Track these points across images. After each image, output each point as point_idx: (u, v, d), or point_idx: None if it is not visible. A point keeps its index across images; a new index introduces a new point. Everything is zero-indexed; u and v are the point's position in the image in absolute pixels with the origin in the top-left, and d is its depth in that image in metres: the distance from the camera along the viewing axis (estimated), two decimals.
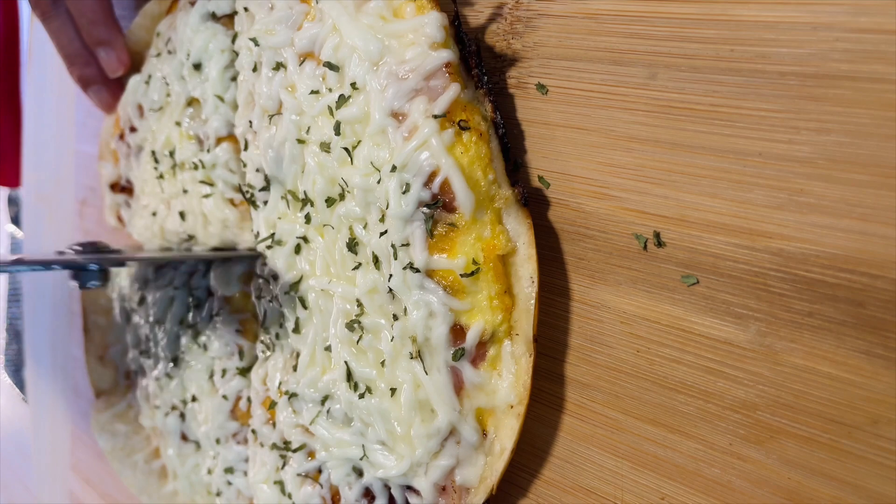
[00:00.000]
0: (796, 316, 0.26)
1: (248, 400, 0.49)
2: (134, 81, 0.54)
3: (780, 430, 0.27)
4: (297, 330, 0.42)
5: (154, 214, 0.53)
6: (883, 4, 0.24)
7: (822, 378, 0.26)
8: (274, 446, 0.44)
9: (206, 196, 0.48)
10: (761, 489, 0.27)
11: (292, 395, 0.42)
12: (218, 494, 0.51)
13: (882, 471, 0.24)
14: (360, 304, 0.38)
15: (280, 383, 0.44)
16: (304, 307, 0.41)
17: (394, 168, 0.33)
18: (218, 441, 0.50)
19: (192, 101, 0.48)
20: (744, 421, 0.27)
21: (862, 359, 0.24)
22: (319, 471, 0.42)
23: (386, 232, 0.35)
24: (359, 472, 0.40)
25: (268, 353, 0.45)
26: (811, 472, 0.26)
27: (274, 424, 0.45)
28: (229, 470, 0.50)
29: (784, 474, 0.27)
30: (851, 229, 0.25)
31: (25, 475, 0.92)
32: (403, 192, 0.33)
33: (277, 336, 0.44)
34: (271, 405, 0.45)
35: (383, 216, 0.35)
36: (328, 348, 0.40)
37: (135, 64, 0.57)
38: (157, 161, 0.52)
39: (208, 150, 0.47)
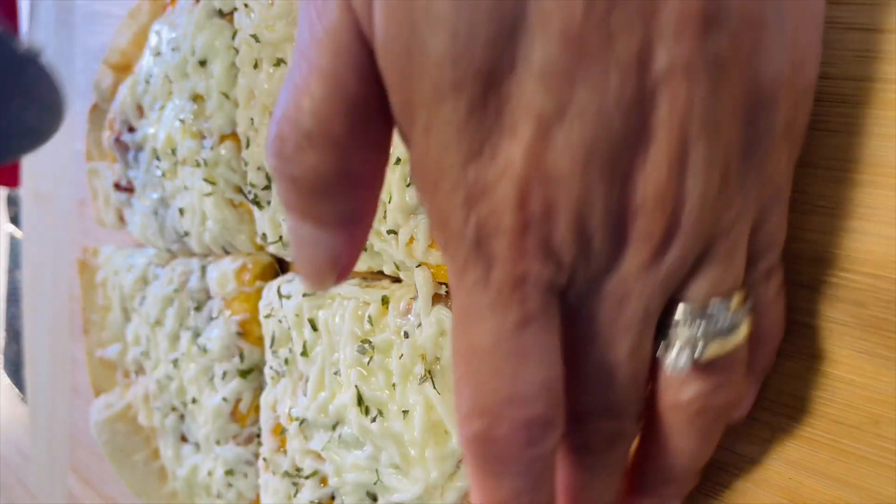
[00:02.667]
0: (798, 316, 0.26)
1: (257, 412, 0.48)
2: (132, 81, 0.54)
3: (783, 431, 0.26)
4: (305, 353, 0.42)
5: (155, 213, 0.53)
6: (886, 3, 0.24)
7: (824, 378, 0.25)
8: (286, 474, 0.44)
9: (208, 195, 0.47)
10: (762, 489, 0.27)
11: (302, 421, 0.42)
12: (218, 496, 0.51)
13: (883, 471, 0.24)
14: (371, 321, 0.37)
15: (290, 409, 0.43)
16: (314, 328, 0.41)
17: (398, 161, 0.33)
18: (218, 442, 0.50)
19: (195, 98, 0.48)
20: (745, 421, 0.27)
21: (863, 359, 0.24)
22: (333, 497, 0.41)
23: (394, 231, 0.34)
24: (373, 497, 0.39)
25: (277, 379, 0.45)
26: (812, 473, 0.26)
27: (285, 451, 0.44)
28: (230, 472, 0.50)
29: (786, 474, 0.27)
30: (853, 229, 0.25)
31: (25, 476, 0.92)
32: (407, 185, 0.33)
33: (286, 361, 0.43)
34: (282, 432, 0.44)
35: (385, 212, 0.34)
36: (337, 372, 0.39)
37: (122, 66, 0.57)
38: (158, 159, 0.51)
39: (211, 148, 0.47)
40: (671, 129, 0.18)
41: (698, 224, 0.19)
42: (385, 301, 0.37)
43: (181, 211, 0.50)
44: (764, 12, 0.18)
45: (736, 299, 0.21)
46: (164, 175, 0.51)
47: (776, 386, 0.27)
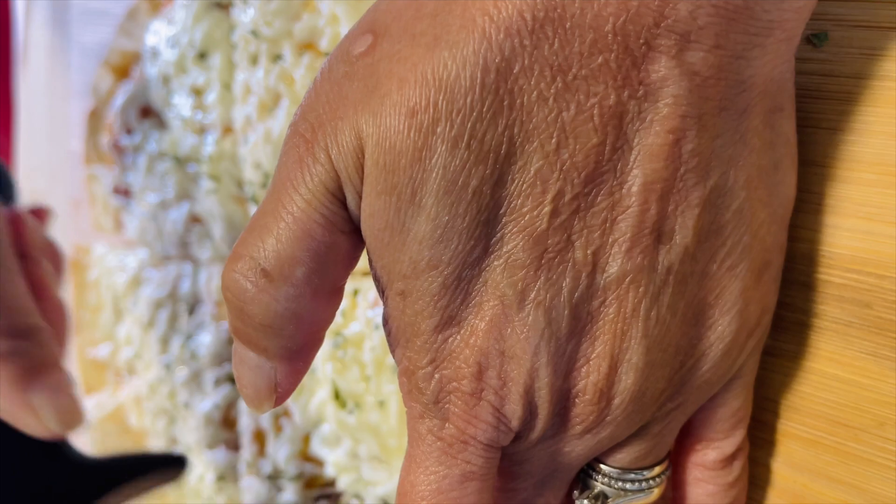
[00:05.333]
0: (802, 317, 0.26)
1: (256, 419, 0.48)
2: (132, 85, 0.54)
3: (787, 433, 0.26)
4: None
5: (154, 216, 0.53)
6: (887, 2, 0.23)
7: (828, 380, 0.25)
8: (268, 477, 0.44)
9: (211, 192, 0.47)
10: (766, 493, 0.27)
11: (283, 417, 0.42)
12: (209, 500, 0.51)
13: (888, 474, 0.24)
14: (343, 314, 0.37)
15: (271, 412, 0.43)
16: None
17: None
18: (209, 447, 0.50)
19: (197, 92, 0.48)
20: (750, 424, 0.27)
21: (868, 360, 0.24)
22: (316, 499, 0.41)
23: None
24: (356, 495, 0.39)
25: None
26: (817, 475, 0.25)
27: (265, 454, 0.44)
28: (221, 477, 0.49)
29: (790, 477, 0.26)
30: (857, 229, 0.24)
31: None
32: None
33: None
34: (262, 435, 0.44)
35: None
36: (313, 369, 0.39)
37: (122, 68, 0.57)
38: (159, 160, 0.51)
39: (216, 143, 0.47)
40: (614, 331, 0.20)
41: (630, 415, 0.21)
42: (355, 294, 0.37)
43: (185, 213, 0.50)
44: (722, 226, 0.20)
45: (656, 469, 0.24)
46: (164, 175, 0.51)
47: (779, 388, 0.26)
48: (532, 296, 0.19)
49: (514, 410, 0.21)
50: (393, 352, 0.22)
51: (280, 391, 0.23)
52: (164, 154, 0.50)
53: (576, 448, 0.22)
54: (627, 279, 0.19)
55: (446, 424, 0.21)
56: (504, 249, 0.19)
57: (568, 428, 0.22)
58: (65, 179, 0.72)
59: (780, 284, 0.25)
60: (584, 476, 0.24)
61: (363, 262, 0.38)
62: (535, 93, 0.18)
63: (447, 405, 0.21)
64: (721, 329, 0.21)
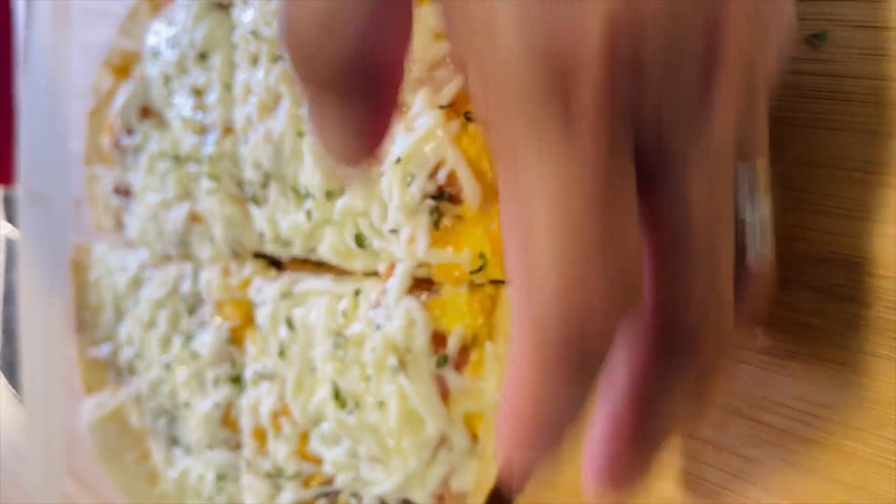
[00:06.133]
0: (802, 317, 0.26)
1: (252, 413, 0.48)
2: (132, 85, 0.54)
3: (787, 433, 0.26)
4: (282, 355, 0.42)
5: (155, 216, 0.53)
6: (893, 1, 0.23)
7: (828, 380, 0.25)
8: (267, 475, 0.44)
9: (211, 192, 0.47)
10: (767, 493, 0.27)
11: (282, 416, 0.42)
12: (209, 500, 0.51)
13: (888, 473, 0.24)
14: (345, 315, 0.37)
15: (271, 411, 0.43)
16: (291, 327, 0.41)
17: (398, 160, 0.33)
18: (210, 447, 0.50)
19: (197, 93, 0.48)
20: (749, 424, 0.27)
21: (868, 360, 0.24)
22: (314, 498, 0.41)
23: (395, 230, 0.34)
24: (354, 493, 0.39)
25: (257, 381, 0.45)
26: (817, 476, 0.25)
27: (266, 453, 0.44)
28: (221, 477, 0.49)
29: (790, 477, 0.26)
30: (858, 229, 0.24)
31: (21, 477, 0.92)
32: (407, 184, 0.33)
33: (264, 366, 0.44)
34: (263, 434, 0.44)
35: (385, 211, 0.35)
36: (313, 369, 0.40)
37: (122, 68, 0.57)
38: (159, 160, 0.51)
39: (216, 143, 0.47)
40: None
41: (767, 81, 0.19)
42: (356, 294, 0.37)
43: (184, 213, 0.50)
44: None
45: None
46: (165, 176, 0.51)
47: (780, 388, 0.26)
48: None
49: (653, 61, 0.16)
50: (469, 60, 0.18)
51: (372, 139, 0.19)
52: (164, 154, 0.50)
53: (728, 156, 0.18)
54: None
55: (574, 125, 0.16)
56: None
57: (716, 109, 0.17)
58: (65, 179, 0.72)
59: (782, 285, 0.26)
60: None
61: (363, 264, 0.39)
62: None
63: (571, 99, 0.16)
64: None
